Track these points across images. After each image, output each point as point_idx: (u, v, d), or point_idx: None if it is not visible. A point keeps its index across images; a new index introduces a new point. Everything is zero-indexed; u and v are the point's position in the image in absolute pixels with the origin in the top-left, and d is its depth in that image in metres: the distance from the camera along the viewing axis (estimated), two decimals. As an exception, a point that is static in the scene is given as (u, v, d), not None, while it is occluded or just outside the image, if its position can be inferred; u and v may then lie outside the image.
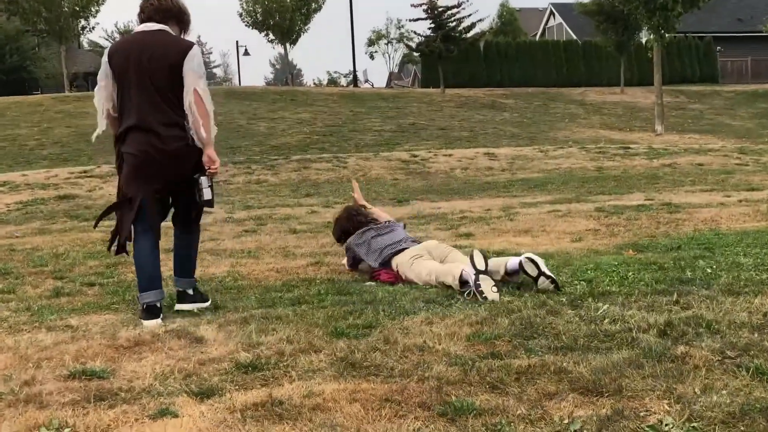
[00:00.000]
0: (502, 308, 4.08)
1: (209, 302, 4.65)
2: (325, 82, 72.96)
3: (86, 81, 51.03)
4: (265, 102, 29.98)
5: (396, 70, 72.77)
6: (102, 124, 4.39)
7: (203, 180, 4.30)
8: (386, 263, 5.19)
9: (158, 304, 4.29)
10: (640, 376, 2.95)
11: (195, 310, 4.49)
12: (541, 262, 4.54)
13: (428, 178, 16.42)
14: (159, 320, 4.21)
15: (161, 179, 4.27)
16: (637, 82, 40.04)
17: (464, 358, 3.30)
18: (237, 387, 3.06)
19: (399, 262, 5.12)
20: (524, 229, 7.72)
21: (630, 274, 4.82)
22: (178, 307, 4.56)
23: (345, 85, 60.35)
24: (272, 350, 3.51)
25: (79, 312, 4.55)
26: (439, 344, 3.50)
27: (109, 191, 14.53)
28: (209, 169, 4.29)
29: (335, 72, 76.94)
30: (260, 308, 4.41)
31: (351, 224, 5.66)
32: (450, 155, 18.79)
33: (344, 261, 5.70)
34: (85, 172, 16.11)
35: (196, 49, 4.25)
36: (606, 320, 3.73)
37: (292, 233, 8.14)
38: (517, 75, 40.74)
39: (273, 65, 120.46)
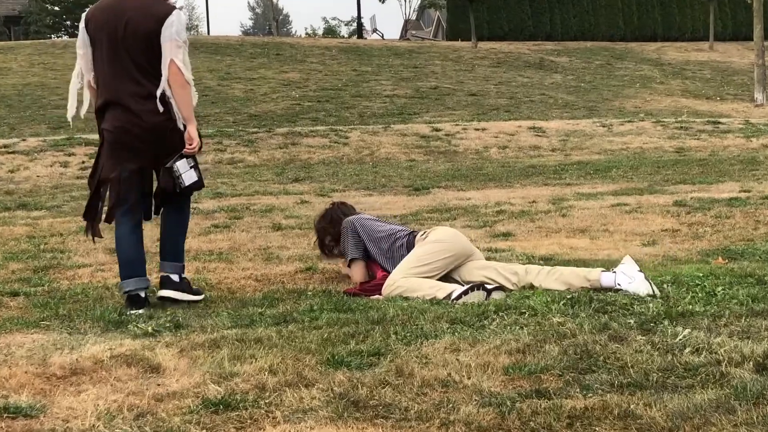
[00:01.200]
0: (550, 332, 4.09)
1: (201, 297, 5.17)
2: (320, 32, 73.04)
3: (6, 27, 51.23)
4: (242, 57, 30.05)
5: (413, 17, 72.67)
6: (72, 104, 5.07)
7: (178, 165, 4.93)
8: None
9: (142, 294, 4.97)
10: (730, 424, 2.95)
11: (180, 301, 5.04)
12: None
13: (455, 160, 16.43)
14: (143, 310, 4.84)
15: (141, 157, 4.93)
16: (731, 36, 39.90)
17: (501, 396, 3.30)
18: (204, 431, 3.08)
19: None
20: (580, 227, 7.72)
21: (719, 289, 4.82)
22: (160, 293, 5.11)
23: (346, 36, 60.35)
24: (250, 383, 3.53)
25: None
26: (468, 378, 3.51)
27: (37, 172, 14.61)
28: (186, 148, 4.92)
29: (333, 19, 77.04)
30: (234, 328, 4.44)
31: (335, 227, 5.74)
32: (483, 129, 18.79)
33: (346, 270, 5.71)
34: (5, 146, 16.19)
35: (176, 15, 4.84)
36: (687, 350, 3.74)
37: (276, 230, 8.16)
38: (573, 25, 40.66)
39: (252, 9, 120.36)
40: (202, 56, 29.34)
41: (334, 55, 31.43)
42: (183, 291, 5.14)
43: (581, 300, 4.68)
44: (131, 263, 4.99)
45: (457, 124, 19.46)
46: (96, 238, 5.16)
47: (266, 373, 3.64)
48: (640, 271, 4.99)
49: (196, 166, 5.01)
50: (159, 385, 3.58)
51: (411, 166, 15.51)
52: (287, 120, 20.83)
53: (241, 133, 17.97)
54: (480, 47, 34.38)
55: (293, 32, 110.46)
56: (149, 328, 4.46)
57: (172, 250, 5.16)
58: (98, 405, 3.34)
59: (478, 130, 18.79)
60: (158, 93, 4.88)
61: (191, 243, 7.51)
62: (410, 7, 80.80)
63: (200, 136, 5.03)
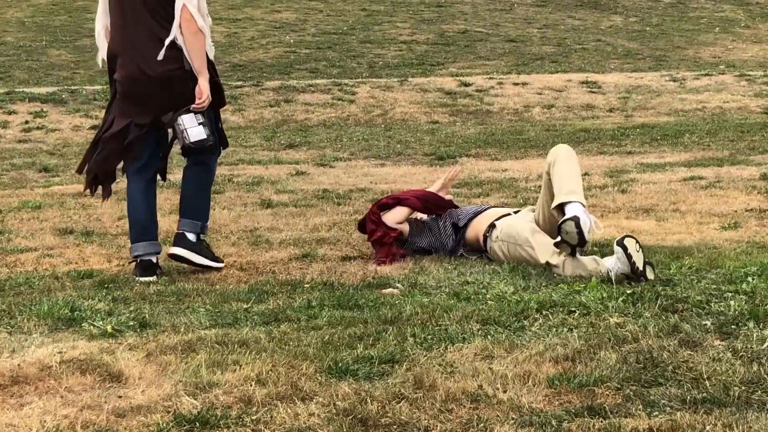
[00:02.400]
0: (607, 335, 4.09)
1: (220, 265, 5.72)
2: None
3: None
4: (224, -7, 29.99)
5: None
6: (102, 46, 5.73)
7: (184, 120, 5.52)
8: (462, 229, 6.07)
9: (153, 259, 5.64)
10: (831, 450, 2.95)
11: (193, 263, 5.65)
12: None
13: (488, 122, 16.40)
14: (155, 278, 5.54)
15: (152, 110, 5.57)
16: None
17: (544, 415, 3.31)
18: (176, 453, 3.10)
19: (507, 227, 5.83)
20: (644, 206, 7.70)
21: (818, 283, 4.81)
22: (170, 250, 5.70)
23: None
24: (233, 395, 3.54)
25: (-76, 328, 4.61)
26: (504, 392, 3.52)
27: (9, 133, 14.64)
28: (195, 103, 5.52)
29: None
30: (214, 328, 4.45)
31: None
32: (524, 84, 18.74)
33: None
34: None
35: None
36: (777, 358, 3.74)
37: (265, 207, 8.17)
38: (637, -46, 40.40)
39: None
40: (173, -9, 29.28)
41: (339, -9, 31.35)
42: (197, 253, 5.67)
43: (645, 296, 4.68)
44: (141, 225, 5.67)
45: (491, 78, 19.42)
46: (103, 199, 5.91)
47: (253, 383, 3.65)
48: (634, 265, 5.02)
49: (205, 123, 5.56)
50: (120, 397, 3.59)
51: (433, 129, 15.49)
52: (279, 72, 20.81)
53: (223, 88, 17.93)
54: (520, -19, 34.15)
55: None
56: (108, 327, 4.47)
57: (191, 205, 5.76)
58: (45, 421, 3.36)
59: (517, 84, 18.73)
60: (167, 40, 5.47)
61: (160, 223, 7.52)
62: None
63: (222, 91, 5.82)
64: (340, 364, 3.82)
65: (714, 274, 5.18)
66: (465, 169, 10.50)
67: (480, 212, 6.20)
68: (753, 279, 4.96)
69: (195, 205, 5.76)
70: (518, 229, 5.81)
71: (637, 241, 5.12)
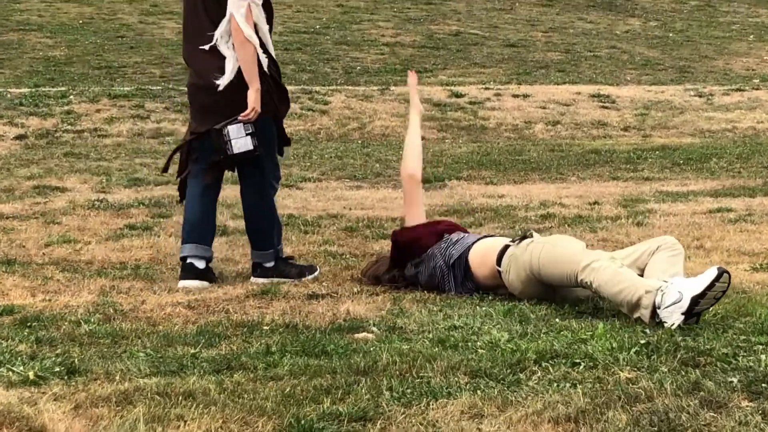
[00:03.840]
0: (616, 392, 4.08)
1: (312, 276, 6.63)
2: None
3: None
4: (176, -18, 30.06)
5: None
6: None
7: (231, 129, 6.33)
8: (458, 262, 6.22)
9: (198, 264, 6.48)
10: None
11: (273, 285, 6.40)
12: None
13: (482, 139, 16.43)
14: (197, 283, 6.37)
15: (209, 119, 6.44)
16: None
17: (541, 484, 3.30)
18: None
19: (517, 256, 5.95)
20: (663, 242, 7.72)
21: None
22: (252, 280, 6.61)
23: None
24: (176, 457, 3.52)
25: None
26: (495, 457, 3.51)
27: None
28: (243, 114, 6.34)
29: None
30: (155, 376, 4.43)
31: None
32: (525, 96, 18.80)
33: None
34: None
35: None
36: (814, 422, 3.74)
37: (220, 234, 8.15)
38: (659, -53, 40.77)
39: None
40: (117, -21, 29.34)
41: (311, -17, 31.46)
42: (277, 276, 6.55)
43: (662, 347, 4.68)
44: (191, 224, 6.62)
45: (487, 88, 19.48)
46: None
47: (200, 442, 3.63)
48: (706, 294, 5.11)
49: (254, 134, 6.35)
50: (43, 456, 3.57)
51: (419, 146, 15.49)
52: (240, 75, 20.79)
53: (172, 93, 17.96)
54: (523, -24, 34.40)
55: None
56: (30, 373, 4.44)
57: (253, 238, 6.69)
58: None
59: (517, 96, 18.80)
60: (207, 46, 6.41)
61: (94, 250, 7.51)
62: None
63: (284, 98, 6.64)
64: (302, 422, 3.80)
65: (742, 323, 5.19)
66: (455, 194, 10.52)
67: (478, 240, 6.28)
68: (788, 329, 4.97)
69: (256, 237, 6.68)
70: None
71: (729, 283, 5.23)
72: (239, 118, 6.33)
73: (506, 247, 6.03)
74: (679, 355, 4.57)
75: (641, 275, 5.70)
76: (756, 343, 4.77)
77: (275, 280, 6.50)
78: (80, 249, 7.56)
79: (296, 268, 6.66)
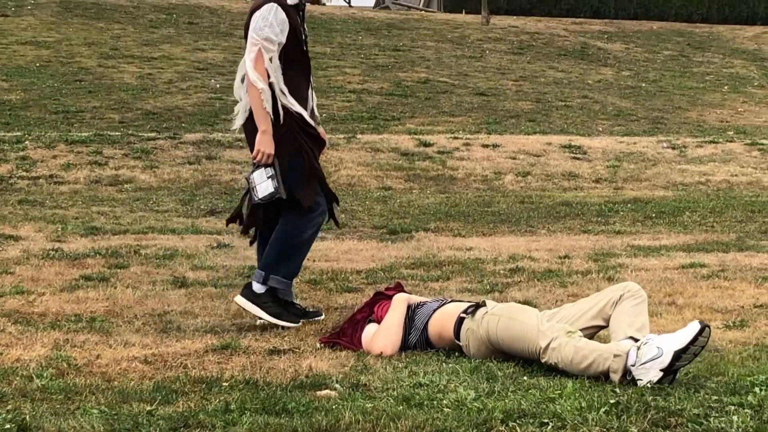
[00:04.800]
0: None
1: (290, 325, 6.73)
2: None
3: None
4: (137, 26, 30.09)
5: (396, -24, 73.03)
6: None
7: (255, 176, 6.69)
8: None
9: (254, 287, 6.86)
10: None
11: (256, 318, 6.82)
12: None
13: (451, 190, 16.46)
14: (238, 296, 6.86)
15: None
16: None
17: None
18: None
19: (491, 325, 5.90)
20: (634, 298, 7.74)
21: (837, 396, 4.84)
22: (234, 296, 6.95)
23: (295, -1, 60.37)
24: None
25: None
26: None
27: None
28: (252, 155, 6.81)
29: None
30: (109, 433, 4.39)
31: None
32: (495, 146, 18.87)
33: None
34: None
35: (263, 8, 6.71)
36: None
37: (179, 286, 8.14)
38: (632, -4, 41.14)
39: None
40: (75, 22, 29.37)
41: (276, 28, 31.52)
42: (257, 305, 6.73)
43: (632, 407, 4.68)
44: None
45: (456, 137, 19.54)
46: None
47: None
48: (689, 348, 5.19)
49: (274, 176, 6.66)
50: None
51: (385, 196, 15.53)
52: (202, 122, 20.80)
53: (132, 140, 17.94)
54: (494, 24, 34.65)
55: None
56: (248, 311, 4.40)
57: (265, 255, 6.95)
58: None
59: (487, 146, 18.86)
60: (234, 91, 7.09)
61: (48, 302, 7.46)
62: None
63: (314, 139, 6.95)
64: (261, 482, 3.78)
65: (714, 382, 5.20)
66: (422, 247, 10.53)
67: (439, 308, 6.30)
68: (761, 390, 4.98)
69: (267, 255, 6.91)
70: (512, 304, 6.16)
71: (709, 337, 5.32)
72: (254, 161, 6.76)
73: (461, 319, 6.06)
74: (649, 416, 4.58)
75: (606, 326, 5.76)
76: (728, 404, 4.77)
77: (250, 307, 6.74)
78: (33, 300, 7.51)
79: (281, 310, 6.79)
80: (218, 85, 23.98)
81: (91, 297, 7.64)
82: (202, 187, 15.91)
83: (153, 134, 18.69)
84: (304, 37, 7.00)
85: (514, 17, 37.28)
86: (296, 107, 6.83)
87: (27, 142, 17.13)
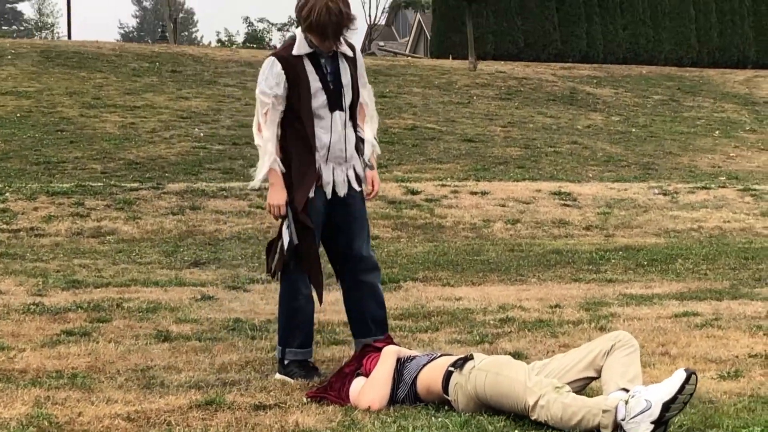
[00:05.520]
0: None
1: (285, 377, 6.88)
2: (239, 40, 73.21)
3: None
4: (120, 75, 30.16)
5: (382, 21, 73.37)
6: None
7: (284, 230, 7.07)
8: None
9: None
10: None
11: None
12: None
13: (439, 238, 16.46)
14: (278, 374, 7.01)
15: None
16: None
17: None
18: None
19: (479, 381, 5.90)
20: (627, 348, 7.73)
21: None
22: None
23: (278, 46, 60.63)
24: None
25: None
26: None
27: None
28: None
29: (261, 21, 77.57)
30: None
31: None
32: (484, 194, 18.90)
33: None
34: None
35: (265, 62, 6.94)
36: None
37: (162, 340, 8.12)
38: (623, 42, 41.37)
39: (138, 2, 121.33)
40: (57, 71, 29.41)
41: (261, 75, 31.57)
42: (286, 375, 6.94)
43: None
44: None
45: (443, 185, 19.58)
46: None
47: None
48: (677, 398, 5.20)
49: (290, 224, 7.01)
50: None
51: (373, 245, 15.44)
52: (185, 172, 20.82)
53: (114, 190, 17.93)
54: (481, 69, 34.78)
55: (199, 39, 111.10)
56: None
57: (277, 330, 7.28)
58: None
59: (475, 194, 18.88)
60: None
61: (29, 358, 7.44)
62: (377, 7, 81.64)
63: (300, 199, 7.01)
64: None
65: (710, 434, 5.20)
66: (411, 297, 10.52)
67: (428, 363, 6.29)
68: (757, 443, 4.99)
69: (278, 329, 7.26)
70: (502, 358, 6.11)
71: (697, 384, 5.34)
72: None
73: (449, 372, 6.05)
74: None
75: (597, 377, 5.76)
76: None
77: (281, 378, 6.91)
78: (14, 356, 7.48)
79: (287, 369, 7.00)
80: (202, 134, 24.03)
81: (72, 352, 7.62)
82: (186, 238, 15.89)
83: (136, 184, 18.69)
84: (325, 86, 6.93)
85: (502, 62, 37.41)
86: (283, 169, 7.01)
87: (8, 194, 17.12)
